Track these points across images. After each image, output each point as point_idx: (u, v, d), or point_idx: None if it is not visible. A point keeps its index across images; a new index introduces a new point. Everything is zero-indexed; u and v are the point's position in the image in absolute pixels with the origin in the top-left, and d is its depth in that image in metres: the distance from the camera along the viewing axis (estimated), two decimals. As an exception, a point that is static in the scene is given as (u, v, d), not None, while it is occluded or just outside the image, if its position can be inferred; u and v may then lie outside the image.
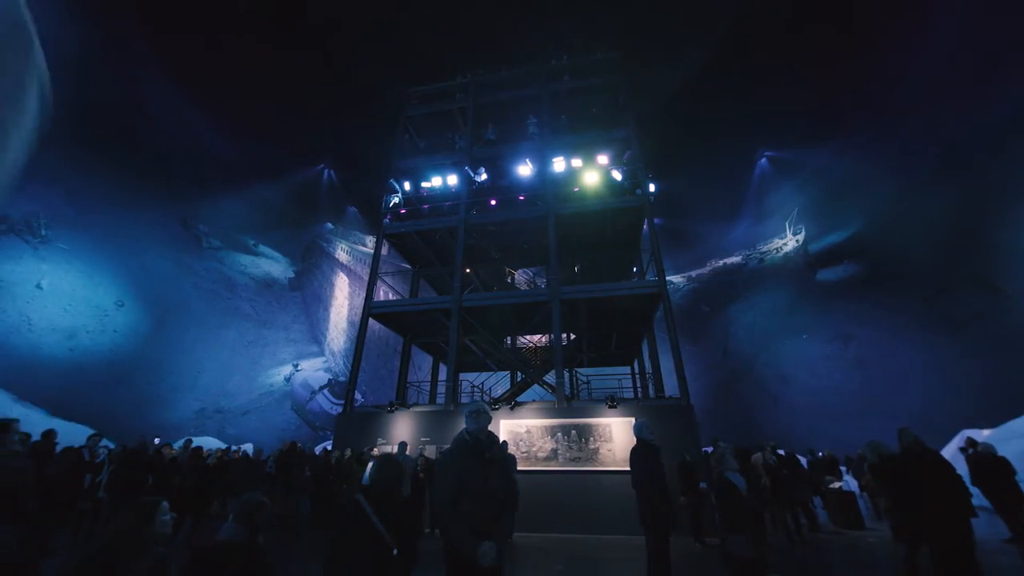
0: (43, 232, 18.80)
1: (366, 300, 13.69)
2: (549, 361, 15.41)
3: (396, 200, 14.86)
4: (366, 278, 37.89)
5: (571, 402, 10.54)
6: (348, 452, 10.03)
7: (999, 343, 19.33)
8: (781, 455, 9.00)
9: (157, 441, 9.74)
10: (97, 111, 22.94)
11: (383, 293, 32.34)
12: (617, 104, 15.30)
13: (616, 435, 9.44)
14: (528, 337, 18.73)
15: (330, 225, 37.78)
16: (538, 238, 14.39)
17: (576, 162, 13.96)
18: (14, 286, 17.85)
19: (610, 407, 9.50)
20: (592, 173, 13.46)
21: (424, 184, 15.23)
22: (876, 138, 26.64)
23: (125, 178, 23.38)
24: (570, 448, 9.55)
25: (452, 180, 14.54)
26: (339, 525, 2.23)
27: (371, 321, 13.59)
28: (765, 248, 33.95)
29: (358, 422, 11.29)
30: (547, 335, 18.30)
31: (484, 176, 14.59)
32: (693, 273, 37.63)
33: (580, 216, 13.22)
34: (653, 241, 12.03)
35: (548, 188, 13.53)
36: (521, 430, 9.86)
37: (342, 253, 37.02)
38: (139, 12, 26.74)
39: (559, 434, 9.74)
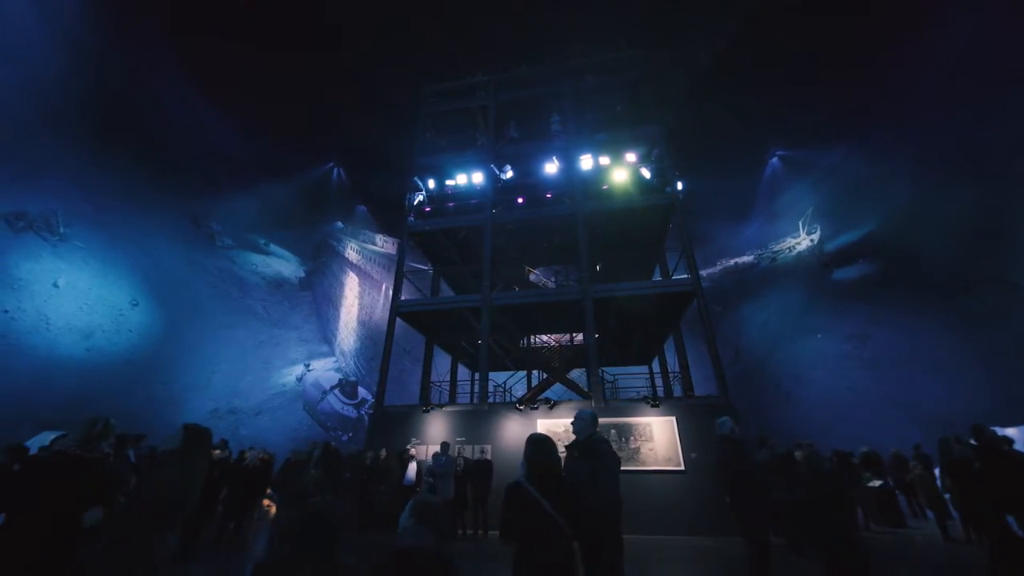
0: (62, 229, 18.63)
1: (393, 299, 13.62)
2: (572, 360, 15.30)
3: (420, 198, 14.71)
4: (376, 277, 37.88)
5: (608, 402, 10.44)
6: (384, 452, 9.94)
7: (1019, 341, 19.24)
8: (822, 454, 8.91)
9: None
10: (114, 109, 22.87)
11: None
12: (640, 102, 15.17)
13: (657, 434, 9.35)
14: (546, 336, 18.63)
15: (340, 224, 37.63)
16: (561, 236, 14.26)
17: (604, 160, 13.84)
18: (33, 284, 17.69)
19: (652, 406, 9.41)
20: (620, 171, 13.33)
21: (448, 182, 15.08)
22: (892, 137, 26.57)
23: (139, 176, 23.31)
24: (610, 447, 9.46)
25: (476, 178, 14.36)
26: (510, 512, 2.16)
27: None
28: (777, 247, 33.81)
29: (390, 422, 11.22)
30: (565, 334, 18.20)
31: (510, 173, 14.46)
32: (704, 272, 37.36)
33: (609, 214, 13.10)
34: (685, 239, 11.95)
35: (576, 186, 13.42)
36: (560, 429, 9.77)
37: (352, 252, 36.84)
38: (155, 12, 26.71)
39: (598, 433, 9.64)
